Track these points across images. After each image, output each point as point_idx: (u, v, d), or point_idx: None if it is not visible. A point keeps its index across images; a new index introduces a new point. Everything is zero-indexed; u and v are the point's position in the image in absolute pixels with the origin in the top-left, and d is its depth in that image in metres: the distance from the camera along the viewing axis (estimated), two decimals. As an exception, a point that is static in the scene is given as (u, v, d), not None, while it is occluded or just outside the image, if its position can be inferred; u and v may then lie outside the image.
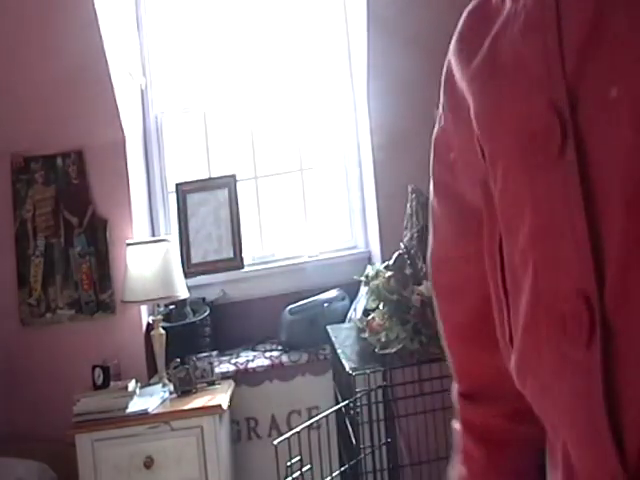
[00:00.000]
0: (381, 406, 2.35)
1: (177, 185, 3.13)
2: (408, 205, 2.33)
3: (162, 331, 2.69)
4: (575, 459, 0.58)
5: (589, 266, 0.52)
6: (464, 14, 0.72)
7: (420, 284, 2.16)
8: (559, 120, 0.53)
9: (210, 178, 3.19)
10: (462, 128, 0.67)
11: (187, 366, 2.64)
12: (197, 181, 3.15)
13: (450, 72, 0.71)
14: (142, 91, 3.16)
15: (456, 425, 0.86)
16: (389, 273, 2.27)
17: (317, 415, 2.22)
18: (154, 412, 2.44)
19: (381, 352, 2.12)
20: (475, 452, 0.81)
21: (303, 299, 2.85)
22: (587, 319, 0.52)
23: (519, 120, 0.57)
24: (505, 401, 0.75)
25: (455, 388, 0.85)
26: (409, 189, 2.34)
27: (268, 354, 2.85)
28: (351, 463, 2.18)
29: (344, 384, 2.22)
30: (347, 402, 2.13)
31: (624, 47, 0.50)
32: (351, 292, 2.78)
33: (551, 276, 0.56)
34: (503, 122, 0.60)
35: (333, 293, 2.89)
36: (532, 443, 0.74)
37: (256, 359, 2.81)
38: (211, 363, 2.70)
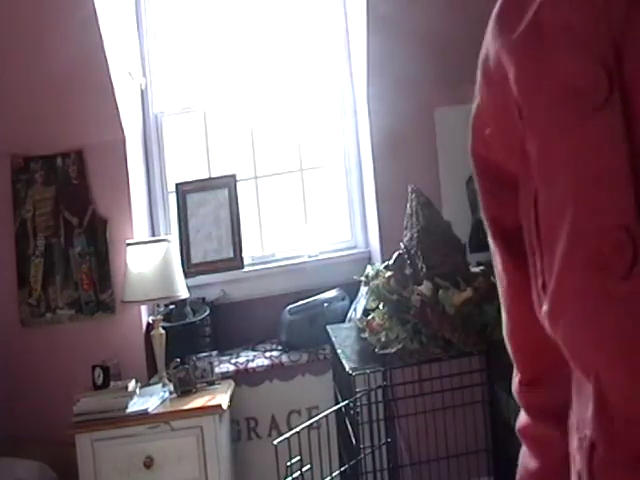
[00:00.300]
0: (381, 406, 2.36)
1: (177, 185, 3.13)
2: (408, 205, 2.33)
3: (162, 331, 2.69)
4: (608, 388, 0.59)
5: (631, 204, 0.53)
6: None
7: (420, 284, 2.16)
8: (606, 73, 0.55)
9: (210, 178, 3.19)
10: (498, 99, 0.69)
11: (187, 366, 2.64)
12: (197, 181, 3.15)
13: (487, 48, 0.72)
14: (142, 91, 3.15)
15: (521, 423, 0.84)
16: (389, 273, 2.27)
17: (317, 415, 2.22)
18: (154, 412, 2.44)
19: (381, 352, 2.12)
20: (551, 437, 0.77)
21: (303, 299, 2.85)
22: (630, 251, 0.53)
23: (565, 76, 0.59)
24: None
25: (517, 383, 0.82)
26: (409, 189, 2.34)
27: (268, 354, 2.85)
28: (351, 463, 2.18)
29: (344, 384, 2.22)
30: (347, 402, 2.13)
31: None
32: (351, 292, 2.79)
33: (591, 219, 0.57)
34: (547, 79, 0.61)
35: (333, 293, 2.89)
36: None
37: (256, 359, 2.82)
38: (211, 363, 2.70)
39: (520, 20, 0.65)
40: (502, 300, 0.79)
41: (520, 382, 0.81)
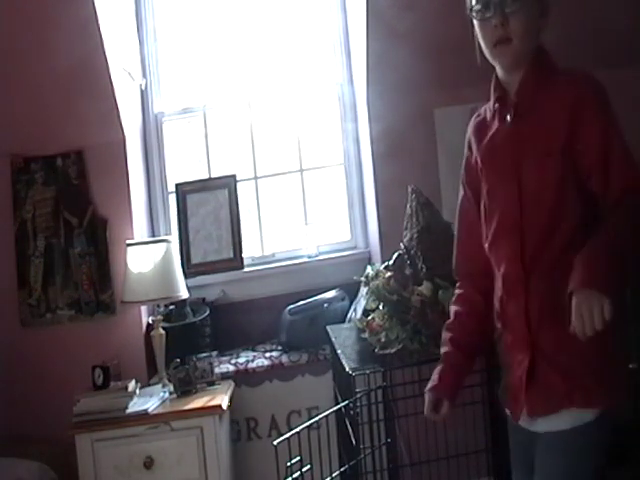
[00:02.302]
0: (381, 406, 2.35)
1: (177, 185, 3.13)
2: (408, 205, 2.33)
3: (162, 331, 2.69)
4: (506, 299, 1.49)
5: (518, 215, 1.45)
6: (472, 123, 1.61)
7: (420, 284, 2.16)
8: (516, 172, 1.46)
9: (210, 178, 3.19)
10: (471, 160, 1.60)
11: (187, 366, 2.64)
12: (197, 181, 3.15)
13: (469, 138, 1.61)
14: (142, 91, 3.16)
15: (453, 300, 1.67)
16: (389, 273, 2.27)
17: (317, 415, 2.21)
18: (154, 412, 2.44)
19: (381, 352, 2.12)
20: (464, 316, 1.63)
21: (303, 299, 2.85)
22: (518, 226, 1.45)
23: (500, 168, 1.50)
24: (483, 281, 1.57)
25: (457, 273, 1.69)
26: (409, 189, 2.34)
27: (268, 354, 2.85)
28: (351, 463, 2.18)
29: (344, 384, 2.22)
30: (347, 402, 2.13)
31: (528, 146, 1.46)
32: (351, 292, 2.78)
33: (505, 215, 1.47)
34: (493, 169, 1.52)
35: (333, 293, 2.89)
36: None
37: (256, 359, 2.82)
38: (211, 363, 2.70)
39: (482, 139, 1.55)
40: (458, 232, 1.66)
41: (458, 278, 1.68)
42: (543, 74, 1.45)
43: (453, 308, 1.65)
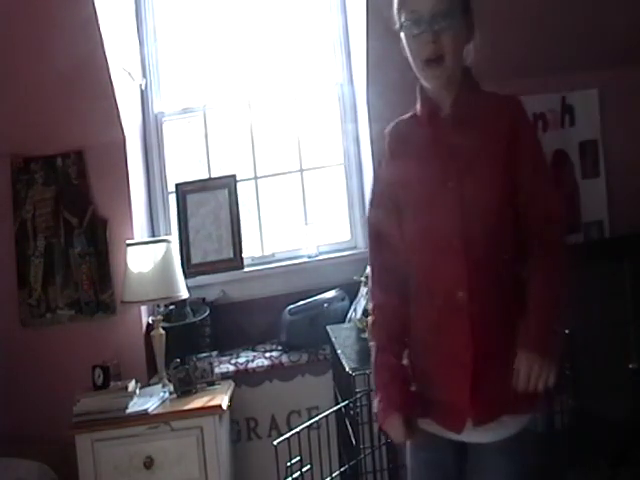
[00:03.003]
0: (381, 406, 2.35)
1: (177, 185, 3.13)
2: (408, 205, 2.32)
3: (162, 331, 2.69)
4: (445, 312, 1.45)
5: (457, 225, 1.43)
6: (393, 135, 1.58)
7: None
8: (457, 188, 1.43)
9: (210, 178, 3.19)
10: (394, 188, 1.54)
11: (187, 366, 2.64)
12: (197, 181, 3.15)
13: (393, 159, 1.57)
14: (142, 91, 3.15)
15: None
16: (389, 273, 2.27)
17: (317, 415, 2.22)
18: (154, 412, 2.44)
19: (381, 352, 2.12)
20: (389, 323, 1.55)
21: (303, 299, 2.85)
22: (459, 242, 1.43)
23: (435, 179, 1.47)
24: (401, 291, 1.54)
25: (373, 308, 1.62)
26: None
27: (268, 354, 2.85)
28: (351, 463, 2.18)
29: (344, 384, 2.22)
30: (347, 402, 2.13)
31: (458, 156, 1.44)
32: (351, 292, 2.78)
33: (445, 231, 1.44)
34: (427, 185, 1.49)
35: (333, 293, 2.89)
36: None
37: (256, 359, 2.82)
38: (211, 363, 2.70)
39: (403, 150, 1.56)
40: (373, 246, 1.61)
41: (378, 290, 1.59)
42: (475, 92, 1.49)
43: (374, 320, 1.59)
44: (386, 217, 1.55)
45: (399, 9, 1.46)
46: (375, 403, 1.54)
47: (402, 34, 1.46)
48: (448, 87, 1.46)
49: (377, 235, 1.59)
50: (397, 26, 1.47)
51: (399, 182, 1.53)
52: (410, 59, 1.47)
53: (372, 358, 1.57)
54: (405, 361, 1.54)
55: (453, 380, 1.44)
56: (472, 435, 1.45)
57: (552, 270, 1.41)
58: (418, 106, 1.53)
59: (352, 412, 2.11)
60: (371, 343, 1.59)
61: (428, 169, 1.47)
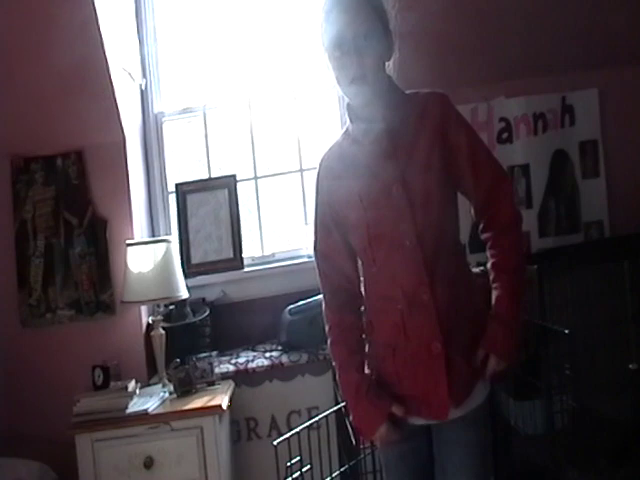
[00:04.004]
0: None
1: (177, 185, 3.13)
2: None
3: (162, 331, 2.69)
4: (408, 313, 1.52)
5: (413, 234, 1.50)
6: (329, 158, 1.62)
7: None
8: (404, 193, 1.50)
9: (210, 178, 3.19)
10: (340, 205, 1.60)
11: (187, 366, 2.64)
12: (197, 181, 3.15)
13: (333, 181, 1.60)
14: (142, 91, 3.16)
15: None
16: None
17: (317, 415, 2.22)
18: (154, 412, 2.43)
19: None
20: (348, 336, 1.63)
21: (303, 299, 2.85)
22: (416, 241, 1.50)
23: (382, 189, 1.52)
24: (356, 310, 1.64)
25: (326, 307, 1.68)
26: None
27: (268, 354, 2.85)
28: (351, 463, 2.18)
29: (344, 384, 2.22)
30: (347, 402, 2.12)
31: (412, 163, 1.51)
32: (351, 292, 2.78)
33: (400, 235, 1.51)
34: (377, 195, 1.53)
35: (333, 293, 2.88)
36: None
37: (256, 359, 2.81)
38: (211, 363, 2.70)
39: (354, 169, 1.58)
40: (322, 268, 1.66)
41: (331, 311, 1.66)
42: (400, 98, 1.56)
43: (336, 340, 1.63)
44: (331, 239, 1.62)
45: (323, 33, 1.53)
46: (350, 419, 1.63)
47: (326, 56, 1.54)
48: (374, 101, 1.53)
49: (324, 259, 1.64)
50: (322, 49, 1.55)
51: (343, 201, 1.57)
52: (335, 80, 1.54)
53: (337, 377, 1.63)
54: (367, 371, 1.60)
55: (428, 372, 1.51)
56: (451, 414, 1.53)
57: (514, 261, 1.54)
58: (350, 125, 1.59)
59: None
60: (334, 363, 1.64)
61: (371, 181, 1.53)
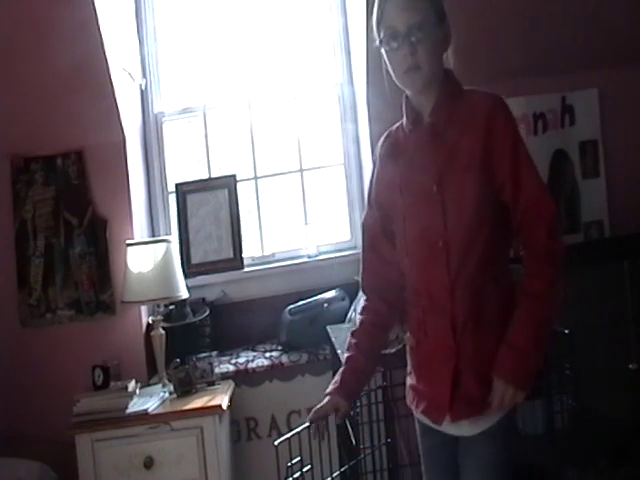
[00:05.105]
0: (381, 406, 2.36)
1: (177, 185, 3.13)
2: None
3: (162, 331, 2.69)
4: (429, 311, 1.53)
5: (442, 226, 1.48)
6: (384, 143, 1.67)
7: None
8: (438, 191, 1.48)
9: (210, 178, 3.19)
10: (384, 193, 1.63)
11: (187, 366, 2.64)
12: (197, 181, 3.15)
13: (383, 167, 1.66)
14: (142, 91, 3.15)
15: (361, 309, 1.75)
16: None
17: (317, 415, 2.20)
18: (154, 412, 2.44)
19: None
20: (369, 328, 1.70)
21: (303, 299, 2.85)
22: (443, 242, 1.47)
23: (421, 188, 1.51)
24: (389, 294, 1.67)
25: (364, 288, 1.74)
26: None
27: (268, 354, 2.85)
28: (351, 463, 2.18)
29: (344, 384, 2.22)
30: (347, 402, 2.12)
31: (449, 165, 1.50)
32: (351, 292, 2.78)
33: (429, 232, 1.50)
34: (415, 189, 1.53)
35: (333, 293, 2.89)
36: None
37: (256, 359, 2.82)
38: (211, 363, 2.70)
39: (399, 157, 1.61)
40: (364, 247, 1.71)
41: (365, 292, 1.74)
42: (454, 94, 1.53)
43: (359, 317, 1.73)
44: (377, 224, 1.65)
45: (377, 25, 1.54)
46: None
47: (382, 49, 1.54)
48: (426, 93, 1.52)
49: (365, 233, 1.70)
50: (377, 42, 1.55)
51: (388, 191, 1.60)
52: (391, 72, 1.54)
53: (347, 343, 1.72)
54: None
55: (436, 375, 1.51)
56: (449, 428, 1.53)
57: (540, 287, 1.43)
58: (403, 113, 1.59)
59: (352, 412, 2.10)
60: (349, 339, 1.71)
61: (414, 176, 1.53)
